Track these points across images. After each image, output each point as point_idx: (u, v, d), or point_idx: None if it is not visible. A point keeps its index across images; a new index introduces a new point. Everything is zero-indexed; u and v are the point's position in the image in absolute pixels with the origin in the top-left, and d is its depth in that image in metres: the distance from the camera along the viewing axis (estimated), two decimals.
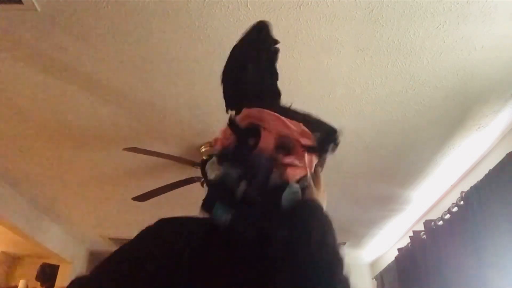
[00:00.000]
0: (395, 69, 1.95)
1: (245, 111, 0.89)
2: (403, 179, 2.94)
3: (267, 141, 0.82)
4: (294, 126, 0.85)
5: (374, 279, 4.21)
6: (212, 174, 0.82)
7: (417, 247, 3.16)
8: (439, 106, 2.20)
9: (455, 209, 2.69)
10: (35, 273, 4.56)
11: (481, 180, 2.38)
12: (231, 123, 0.88)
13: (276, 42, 0.93)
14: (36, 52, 1.89)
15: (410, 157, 2.66)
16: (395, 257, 3.59)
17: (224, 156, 0.83)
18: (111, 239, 4.37)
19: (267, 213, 0.77)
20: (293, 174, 0.83)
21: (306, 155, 0.85)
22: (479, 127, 2.37)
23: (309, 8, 1.64)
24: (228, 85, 0.94)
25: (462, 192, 2.58)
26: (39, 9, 1.65)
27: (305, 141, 0.85)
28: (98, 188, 3.19)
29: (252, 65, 0.92)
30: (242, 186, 0.75)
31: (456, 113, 2.25)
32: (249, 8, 1.65)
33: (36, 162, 2.85)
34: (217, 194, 0.78)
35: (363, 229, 3.86)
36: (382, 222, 3.68)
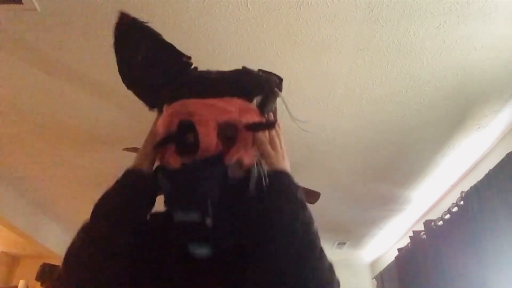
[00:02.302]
0: (395, 69, 1.95)
1: (167, 109, 0.77)
2: (403, 179, 2.94)
3: (207, 138, 0.71)
4: (230, 106, 0.74)
5: (374, 279, 4.21)
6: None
7: (417, 247, 3.16)
8: (439, 106, 2.20)
9: (455, 209, 2.69)
10: (35, 273, 4.55)
11: (481, 180, 2.38)
12: (161, 141, 0.76)
13: (136, 20, 0.86)
14: (36, 52, 1.89)
15: (410, 157, 2.66)
16: (395, 257, 3.59)
17: (173, 175, 0.73)
18: None
19: (244, 214, 0.73)
20: (250, 159, 0.75)
21: (254, 134, 0.76)
22: (479, 127, 2.37)
23: (309, 8, 1.64)
24: (135, 86, 0.86)
25: (462, 192, 2.58)
26: (39, 9, 1.65)
27: (247, 118, 0.75)
28: (98, 188, 3.18)
29: (141, 55, 0.84)
30: (208, 221, 0.67)
31: (456, 113, 2.25)
32: (249, 8, 1.65)
33: (36, 162, 2.85)
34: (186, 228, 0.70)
35: (363, 229, 3.86)
36: (382, 222, 3.68)
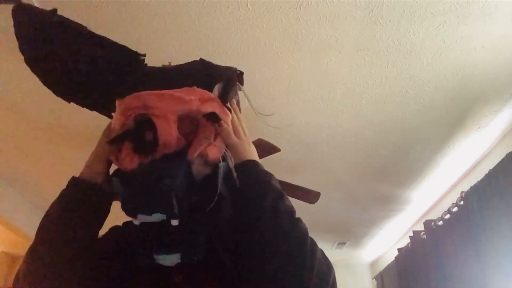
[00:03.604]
0: (395, 69, 1.95)
1: (119, 104, 0.70)
2: (403, 179, 2.94)
3: (166, 132, 0.65)
4: (189, 95, 0.68)
5: (374, 279, 4.21)
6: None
7: (417, 247, 3.16)
8: (439, 106, 2.20)
9: (455, 209, 2.69)
10: None
11: (481, 180, 2.38)
12: (117, 137, 0.70)
13: (52, 12, 0.73)
14: None
15: (410, 157, 2.66)
16: (395, 257, 3.59)
17: (130, 177, 0.65)
18: None
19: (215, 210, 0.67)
20: (215, 153, 0.70)
21: (215, 124, 0.71)
22: (479, 127, 2.37)
23: (309, 8, 1.64)
24: (75, 91, 0.77)
25: (462, 192, 2.58)
26: None
27: (207, 108, 0.70)
28: None
29: (70, 52, 0.73)
30: (174, 222, 0.62)
31: (456, 113, 2.25)
32: (249, 8, 1.65)
33: (36, 162, 2.85)
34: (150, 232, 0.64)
35: (363, 229, 3.86)
36: (382, 222, 3.68)
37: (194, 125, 0.70)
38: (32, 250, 0.69)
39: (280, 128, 2.28)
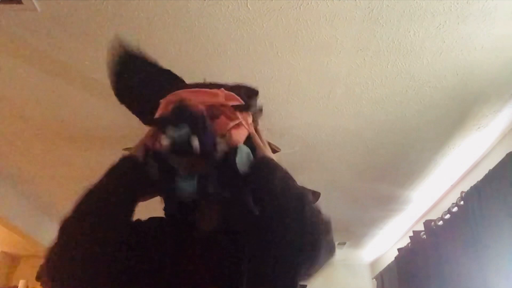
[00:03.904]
0: (395, 69, 1.95)
1: (162, 102, 0.87)
2: (403, 179, 2.94)
3: (198, 107, 0.79)
4: (217, 92, 0.85)
5: (374, 279, 4.21)
6: (163, 142, 0.77)
7: (417, 247, 3.16)
8: (439, 106, 2.20)
9: (455, 209, 2.69)
10: (35, 273, 4.55)
11: (481, 180, 2.38)
12: (158, 122, 0.84)
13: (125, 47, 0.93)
14: (36, 52, 1.89)
15: (410, 157, 2.65)
16: (395, 257, 3.59)
17: (165, 121, 0.78)
18: None
19: (227, 185, 0.78)
20: (238, 136, 0.83)
21: (239, 114, 0.85)
22: (479, 127, 2.37)
23: (309, 8, 1.64)
24: (133, 101, 0.94)
25: (462, 192, 2.58)
26: (39, 9, 1.65)
27: (233, 102, 0.85)
28: None
29: (136, 74, 0.92)
30: (195, 142, 0.73)
31: (456, 113, 2.25)
32: (249, 8, 1.65)
33: (36, 162, 2.85)
34: (175, 160, 0.76)
35: (363, 229, 3.86)
36: (382, 222, 3.68)
37: (218, 115, 0.82)
38: (66, 226, 0.72)
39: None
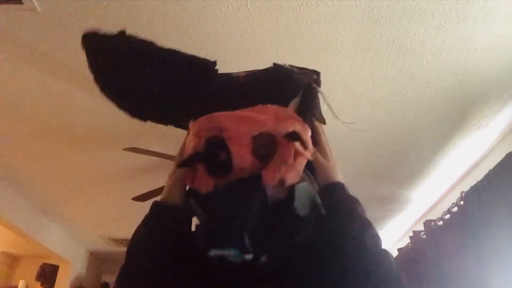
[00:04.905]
0: (395, 69, 1.95)
1: (192, 126, 0.69)
2: (403, 179, 2.94)
3: (240, 155, 0.63)
4: (263, 115, 0.65)
5: None
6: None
7: (417, 247, 3.16)
8: (439, 106, 2.19)
9: (455, 209, 2.69)
10: (35, 273, 4.56)
11: (481, 180, 2.38)
12: (188, 160, 0.68)
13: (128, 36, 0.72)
14: (36, 52, 1.89)
15: (410, 157, 2.65)
16: (395, 257, 3.59)
17: (206, 200, 0.65)
18: (111, 239, 4.37)
19: (288, 238, 0.64)
20: (293, 177, 0.65)
21: (295, 143, 0.66)
22: (479, 127, 2.37)
23: (309, 8, 1.64)
24: (157, 108, 0.76)
25: (462, 192, 2.58)
26: (39, 9, 1.65)
27: (286, 127, 0.65)
28: (98, 188, 3.19)
29: (151, 74, 0.72)
30: (248, 256, 0.59)
31: (456, 113, 2.25)
32: (249, 8, 1.65)
33: (36, 162, 2.85)
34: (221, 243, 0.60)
35: None
36: (382, 222, 3.68)
37: (273, 145, 0.65)
38: (122, 277, 0.69)
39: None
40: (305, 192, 0.66)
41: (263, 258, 0.61)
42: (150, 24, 1.72)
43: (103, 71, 0.77)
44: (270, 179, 0.63)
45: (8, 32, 1.77)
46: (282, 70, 0.74)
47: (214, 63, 0.73)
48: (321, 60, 1.91)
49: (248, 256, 0.59)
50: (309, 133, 0.70)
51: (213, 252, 0.60)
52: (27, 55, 1.91)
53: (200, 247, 0.61)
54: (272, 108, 0.66)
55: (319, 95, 0.76)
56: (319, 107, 0.77)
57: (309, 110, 0.72)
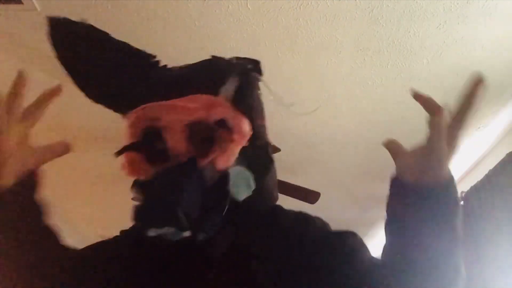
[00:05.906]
0: (395, 69, 1.95)
1: (129, 117, 0.73)
2: None
3: (174, 141, 0.66)
4: (194, 104, 0.68)
5: None
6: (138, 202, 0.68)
7: None
8: None
9: None
10: None
11: (481, 180, 2.38)
12: (123, 149, 0.73)
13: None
14: (36, 52, 1.89)
15: None
16: None
17: (145, 186, 0.68)
18: None
19: (226, 219, 0.66)
20: (223, 162, 0.68)
21: (224, 130, 0.68)
22: (479, 127, 2.37)
23: (309, 8, 1.64)
24: (101, 98, 0.82)
25: (462, 192, 2.58)
26: (39, 9, 1.65)
27: (215, 115, 0.68)
28: (98, 188, 3.19)
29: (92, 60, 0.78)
30: (186, 233, 0.63)
31: None
32: (249, 8, 1.65)
33: None
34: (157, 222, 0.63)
35: (363, 229, 3.85)
36: (382, 222, 3.67)
37: (207, 132, 0.68)
38: None
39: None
40: (237, 176, 0.69)
41: (200, 237, 0.64)
42: (150, 24, 1.72)
43: (65, 50, 0.84)
44: (201, 162, 0.66)
45: (8, 32, 1.77)
46: (215, 60, 0.78)
47: (155, 56, 0.77)
48: (321, 60, 1.91)
49: (186, 234, 0.62)
50: (243, 120, 0.71)
51: (151, 232, 0.62)
52: (27, 55, 1.91)
53: (139, 229, 0.64)
54: (203, 97, 0.69)
55: (260, 84, 0.82)
56: (257, 95, 0.83)
57: (245, 99, 0.75)
